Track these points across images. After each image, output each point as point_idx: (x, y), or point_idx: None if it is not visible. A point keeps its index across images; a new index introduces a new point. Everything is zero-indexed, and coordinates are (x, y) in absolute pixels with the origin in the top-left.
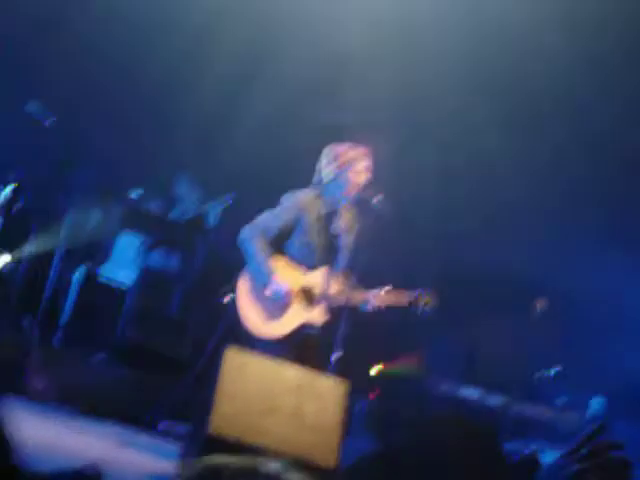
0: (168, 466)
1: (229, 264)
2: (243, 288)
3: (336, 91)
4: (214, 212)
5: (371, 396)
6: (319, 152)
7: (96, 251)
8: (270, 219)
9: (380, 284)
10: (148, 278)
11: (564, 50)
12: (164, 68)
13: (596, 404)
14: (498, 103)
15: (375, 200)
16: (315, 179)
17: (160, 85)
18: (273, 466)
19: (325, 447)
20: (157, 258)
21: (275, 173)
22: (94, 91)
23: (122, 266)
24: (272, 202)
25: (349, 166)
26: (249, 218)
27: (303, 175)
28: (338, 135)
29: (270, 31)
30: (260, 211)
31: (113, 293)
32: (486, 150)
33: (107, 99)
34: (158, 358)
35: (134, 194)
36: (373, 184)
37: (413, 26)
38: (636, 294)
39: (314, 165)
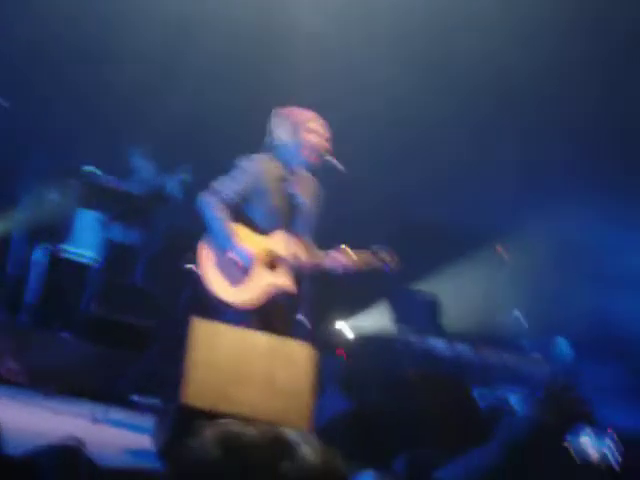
0: (143, 440)
1: (194, 233)
2: (205, 254)
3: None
4: (172, 183)
5: (339, 353)
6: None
7: (56, 230)
8: (228, 183)
9: (338, 246)
10: (110, 252)
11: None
12: (103, 37)
13: (560, 346)
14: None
15: (332, 163)
16: (267, 141)
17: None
18: (291, 435)
19: (298, 411)
20: (117, 232)
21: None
22: (40, 68)
23: (83, 243)
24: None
25: (302, 125)
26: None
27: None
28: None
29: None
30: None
31: (76, 270)
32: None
33: (53, 75)
34: (124, 330)
35: (90, 169)
36: (326, 148)
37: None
38: (596, 233)
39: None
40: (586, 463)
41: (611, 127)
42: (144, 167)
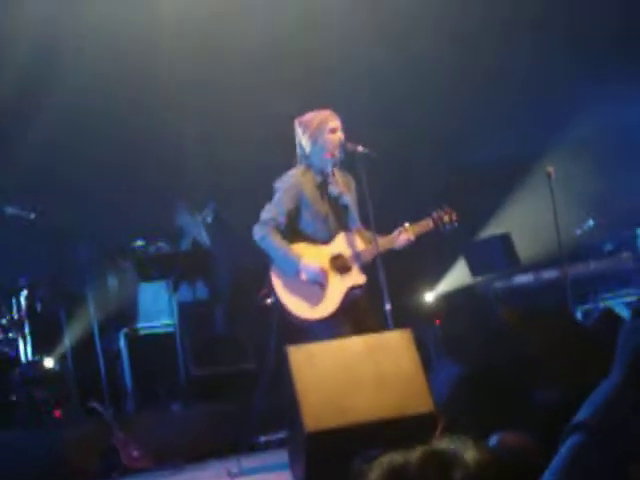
0: (282, 477)
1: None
2: (278, 283)
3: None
4: (202, 229)
5: (437, 322)
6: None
7: (127, 312)
8: (274, 209)
9: (397, 224)
10: (186, 314)
11: None
12: None
13: None
14: None
15: (357, 151)
16: (298, 154)
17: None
18: (448, 446)
19: (416, 395)
20: (185, 293)
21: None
22: None
23: (156, 315)
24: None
25: (321, 130)
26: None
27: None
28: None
29: None
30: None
31: (160, 341)
32: None
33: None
34: (228, 381)
35: (137, 244)
36: (349, 138)
37: None
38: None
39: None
40: None
41: None
42: (192, 221)
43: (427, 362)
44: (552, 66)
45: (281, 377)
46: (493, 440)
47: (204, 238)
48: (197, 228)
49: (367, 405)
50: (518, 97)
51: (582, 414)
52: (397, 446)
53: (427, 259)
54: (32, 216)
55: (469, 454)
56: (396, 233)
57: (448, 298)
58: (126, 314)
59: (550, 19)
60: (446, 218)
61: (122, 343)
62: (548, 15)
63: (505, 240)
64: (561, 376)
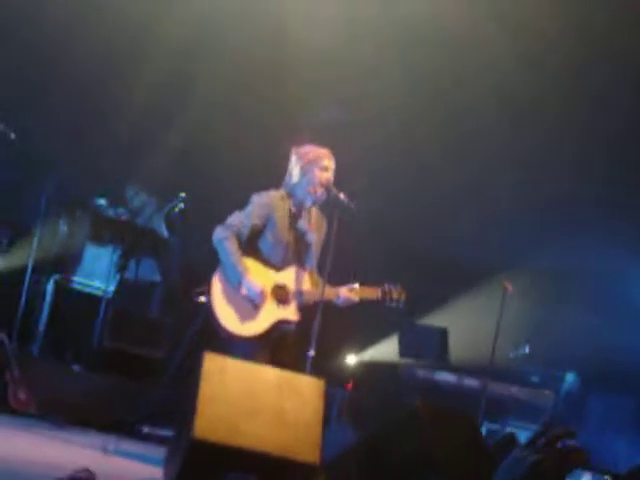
0: (153, 471)
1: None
2: (217, 287)
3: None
4: (163, 221)
5: (348, 386)
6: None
7: (67, 262)
8: (242, 218)
9: (349, 281)
10: (124, 287)
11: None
12: (101, 64)
13: (569, 380)
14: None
15: (341, 199)
16: (286, 179)
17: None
18: None
19: (307, 444)
20: (131, 267)
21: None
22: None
23: (94, 276)
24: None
25: (313, 165)
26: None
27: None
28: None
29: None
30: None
31: (87, 301)
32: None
33: (58, 110)
34: (137, 362)
35: (100, 201)
36: (338, 185)
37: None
38: (608, 269)
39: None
40: None
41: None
42: (147, 203)
43: (326, 420)
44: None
45: (189, 377)
46: None
47: (162, 230)
48: (157, 217)
49: (259, 435)
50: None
51: None
52: None
53: (362, 323)
54: (12, 136)
55: None
56: (343, 289)
57: (369, 367)
58: (64, 264)
59: None
60: (395, 295)
61: (50, 288)
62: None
63: (442, 334)
64: (447, 475)
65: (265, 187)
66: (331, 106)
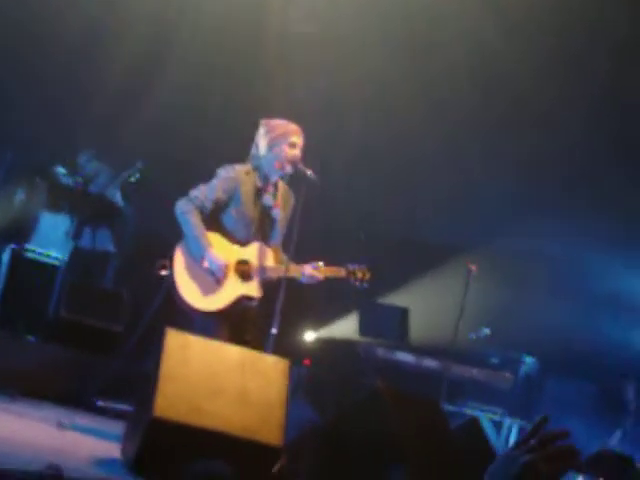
0: (110, 447)
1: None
2: (179, 261)
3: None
4: (118, 190)
5: (306, 362)
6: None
7: (22, 230)
8: (205, 192)
9: (313, 258)
10: (79, 256)
11: None
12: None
13: (528, 363)
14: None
15: (308, 174)
16: (252, 151)
17: (71, 59)
18: None
19: (270, 425)
20: (86, 236)
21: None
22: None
23: (50, 244)
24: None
25: (281, 140)
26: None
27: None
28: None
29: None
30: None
31: (41, 271)
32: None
33: (21, 74)
34: (93, 333)
35: (59, 169)
36: (304, 160)
37: None
38: (571, 255)
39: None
40: None
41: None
42: (101, 170)
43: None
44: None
45: (148, 352)
46: None
47: (117, 199)
48: (112, 186)
49: (220, 415)
50: (471, 192)
51: None
52: (232, 468)
53: (321, 299)
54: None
55: None
56: (308, 267)
57: (328, 344)
58: (20, 232)
59: None
60: (359, 275)
61: (5, 257)
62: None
63: (403, 314)
64: (410, 459)
65: (231, 161)
66: None
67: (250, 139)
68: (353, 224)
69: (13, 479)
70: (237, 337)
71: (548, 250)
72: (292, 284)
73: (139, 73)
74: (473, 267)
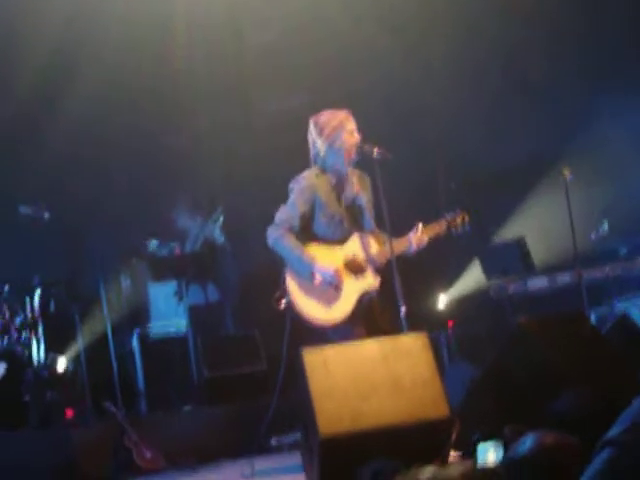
0: (297, 478)
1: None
2: (293, 286)
3: None
4: (216, 228)
5: (450, 325)
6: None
7: (139, 312)
8: (289, 211)
9: (410, 225)
10: (197, 316)
11: None
12: None
13: None
14: None
15: (374, 153)
16: (312, 154)
17: None
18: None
19: (433, 400)
20: (195, 295)
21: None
22: None
23: (168, 315)
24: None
25: (339, 132)
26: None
27: None
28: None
29: None
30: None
31: (172, 342)
32: None
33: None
34: (241, 382)
35: (152, 243)
36: (365, 140)
37: None
38: None
39: None
40: None
41: None
42: (192, 222)
43: (439, 365)
44: (569, 71)
45: (293, 379)
46: (529, 441)
47: (218, 236)
48: (206, 227)
49: (382, 410)
50: (535, 99)
51: (615, 430)
52: (412, 453)
53: (440, 262)
54: (46, 216)
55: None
56: (410, 235)
57: (462, 301)
58: (138, 315)
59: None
60: (459, 220)
61: (135, 344)
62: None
63: (520, 244)
64: (578, 384)
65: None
66: None
67: None
68: (430, 175)
69: None
70: (373, 330)
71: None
72: (406, 257)
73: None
74: (568, 172)
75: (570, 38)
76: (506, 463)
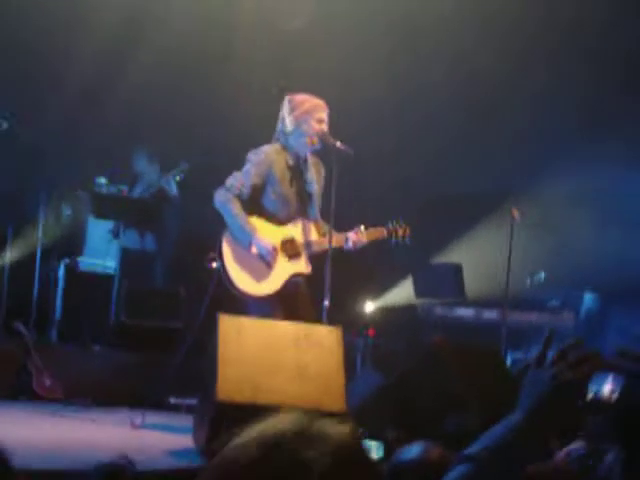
0: (184, 440)
1: (203, 230)
2: (227, 251)
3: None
4: (173, 181)
5: (369, 333)
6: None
7: (73, 244)
8: (241, 178)
9: (354, 224)
10: (128, 260)
11: None
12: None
13: (588, 299)
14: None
15: (337, 145)
16: (278, 128)
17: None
18: (321, 424)
19: (332, 393)
20: (132, 239)
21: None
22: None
23: (100, 253)
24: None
25: (308, 116)
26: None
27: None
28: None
29: None
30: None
31: (96, 281)
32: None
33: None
34: (155, 334)
35: (100, 181)
36: (332, 132)
37: None
38: (618, 179)
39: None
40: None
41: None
42: (148, 169)
43: (352, 368)
44: (539, 118)
45: (207, 342)
46: (415, 449)
47: (171, 189)
48: (163, 178)
49: (282, 390)
50: (500, 136)
51: (476, 446)
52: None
53: (377, 269)
54: (4, 126)
55: (334, 435)
56: (350, 233)
57: (388, 312)
58: (71, 246)
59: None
60: (400, 232)
61: (60, 273)
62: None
63: (456, 270)
64: (479, 413)
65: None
66: None
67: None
68: (386, 189)
69: (85, 476)
70: (292, 315)
71: (592, 184)
72: (342, 258)
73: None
74: (516, 213)
75: (541, 86)
76: (390, 465)
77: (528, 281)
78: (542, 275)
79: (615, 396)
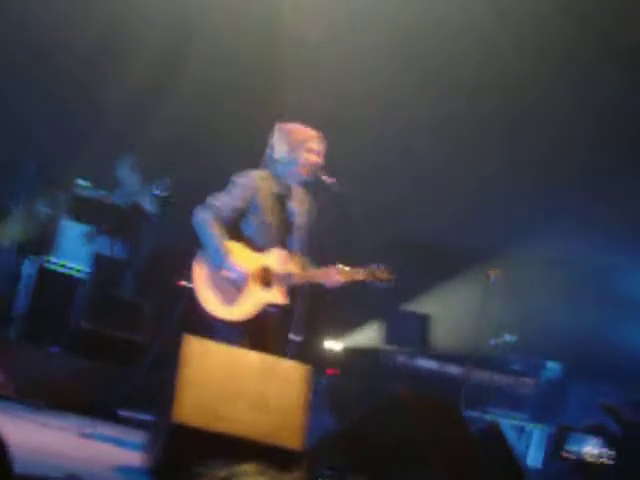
0: (132, 456)
1: (179, 248)
2: (199, 271)
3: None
4: (151, 197)
5: (330, 372)
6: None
7: (44, 243)
8: (224, 200)
9: (334, 262)
10: (97, 265)
11: None
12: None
13: (551, 368)
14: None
15: (328, 182)
16: (267, 155)
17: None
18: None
19: (290, 429)
20: (104, 245)
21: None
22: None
23: (71, 256)
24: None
25: (301, 146)
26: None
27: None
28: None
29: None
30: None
31: (64, 283)
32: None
33: (38, 87)
34: (113, 344)
35: (81, 182)
36: (324, 167)
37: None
38: (593, 260)
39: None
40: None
41: (614, 142)
42: (129, 179)
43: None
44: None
45: (170, 359)
46: None
47: (148, 204)
48: (141, 192)
49: (241, 420)
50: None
51: None
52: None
53: (338, 307)
54: None
55: None
56: (330, 270)
57: (350, 353)
58: (43, 244)
59: None
60: (380, 275)
61: (28, 269)
62: None
63: (424, 320)
64: (428, 463)
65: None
66: None
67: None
68: (372, 230)
69: None
70: (259, 345)
71: (569, 255)
72: (316, 291)
73: (152, 87)
74: (493, 274)
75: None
76: None
77: (492, 341)
78: (508, 338)
79: (604, 460)
